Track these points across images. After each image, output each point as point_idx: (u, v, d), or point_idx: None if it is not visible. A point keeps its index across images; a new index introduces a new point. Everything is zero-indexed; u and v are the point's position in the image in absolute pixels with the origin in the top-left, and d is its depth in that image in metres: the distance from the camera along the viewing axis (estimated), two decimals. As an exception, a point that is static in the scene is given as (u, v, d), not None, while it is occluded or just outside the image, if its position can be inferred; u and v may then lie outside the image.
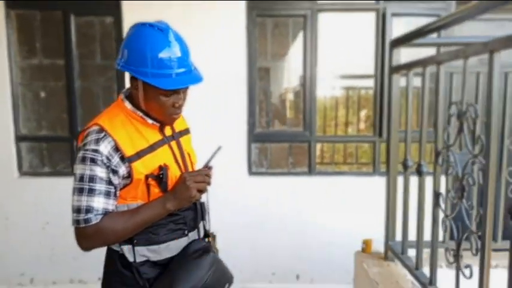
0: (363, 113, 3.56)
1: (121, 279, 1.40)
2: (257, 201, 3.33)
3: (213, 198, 1.52)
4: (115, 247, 1.40)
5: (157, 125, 1.40)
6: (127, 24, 3.14)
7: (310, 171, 3.39)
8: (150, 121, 1.37)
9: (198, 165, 1.51)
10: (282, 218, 3.35)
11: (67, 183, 3.30)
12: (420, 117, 1.59)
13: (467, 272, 1.28)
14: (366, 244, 2.10)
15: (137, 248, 1.36)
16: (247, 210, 3.28)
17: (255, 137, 3.36)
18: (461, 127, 1.27)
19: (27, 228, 3.36)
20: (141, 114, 1.36)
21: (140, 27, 1.30)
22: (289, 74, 3.52)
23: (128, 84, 3.30)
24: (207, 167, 1.41)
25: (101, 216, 1.27)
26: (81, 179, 1.26)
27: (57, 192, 3.31)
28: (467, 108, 1.23)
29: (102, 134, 1.28)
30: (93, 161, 1.26)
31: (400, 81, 1.86)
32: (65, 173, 3.38)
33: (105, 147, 1.27)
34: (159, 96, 1.31)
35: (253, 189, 3.34)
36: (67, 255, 3.36)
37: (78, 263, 3.36)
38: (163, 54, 1.26)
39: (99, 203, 1.27)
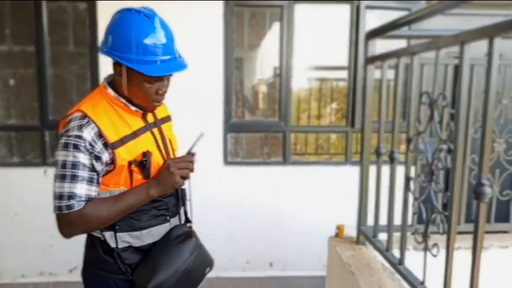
0: (334, 105, 3.66)
1: (103, 265, 1.41)
2: (232, 190, 3.37)
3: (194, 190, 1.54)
4: (96, 234, 1.40)
5: (140, 112, 1.40)
6: (101, 10, 3.08)
7: (285, 161, 3.45)
8: (133, 108, 1.38)
9: (180, 152, 1.53)
10: (256, 207, 3.40)
11: (37, 174, 3.26)
12: (393, 106, 1.67)
13: (434, 250, 1.36)
14: (339, 229, 2.17)
15: (119, 234, 1.37)
16: (222, 199, 3.31)
17: (230, 126, 3.39)
18: (432, 115, 1.34)
19: (-5, 219, 3.26)
20: (124, 101, 1.36)
21: (126, 13, 1.30)
22: (263, 64, 3.56)
23: (103, 72, 3.25)
24: (190, 154, 1.44)
25: (84, 203, 1.28)
26: (64, 165, 1.26)
27: (26, 183, 3.24)
28: (438, 96, 1.31)
29: (86, 120, 1.28)
30: (76, 147, 1.25)
31: (374, 73, 1.94)
32: (35, 163, 3.29)
33: (88, 134, 1.27)
34: (143, 82, 1.31)
35: (228, 178, 3.37)
36: (36, 247, 3.30)
37: (48, 255, 3.31)
38: (148, 41, 1.27)
39: (81, 189, 1.27)
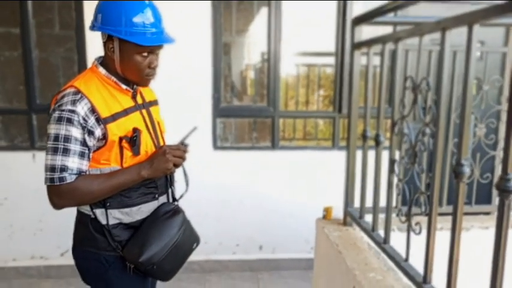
0: (322, 91, 3.69)
1: (93, 243, 1.45)
2: (222, 174, 3.41)
3: (179, 171, 1.58)
4: (86, 211, 1.44)
5: (131, 90, 1.45)
6: (87, -7, 3.05)
7: (274, 145, 3.50)
8: (124, 86, 1.42)
9: (172, 141, 1.57)
10: (245, 191, 3.45)
11: (25, 158, 3.25)
12: (379, 92, 1.71)
13: (417, 229, 1.43)
14: (327, 211, 2.23)
15: (110, 211, 1.42)
16: (211, 183, 3.35)
17: (220, 111, 3.40)
18: (415, 99, 1.39)
19: (-16, 204, 3.25)
20: (115, 79, 1.41)
21: None
22: (251, 49, 3.56)
23: (90, 55, 3.21)
24: (184, 145, 1.49)
25: (75, 176, 1.32)
26: (56, 138, 1.29)
27: (15, 167, 3.23)
28: (421, 81, 1.35)
29: (79, 96, 1.32)
30: (69, 121, 1.29)
31: (360, 59, 1.97)
32: (23, 147, 3.27)
33: (81, 108, 1.31)
34: (136, 55, 1.36)
35: (218, 163, 3.41)
36: (27, 231, 3.31)
37: (39, 238, 3.32)
38: (137, 19, 1.32)
39: (73, 162, 1.31)
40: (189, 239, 1.57)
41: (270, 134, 3.50)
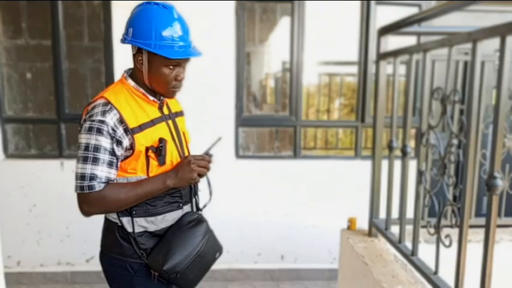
0: (343, 100, 3.68)
1: (119, 250, 1.49)
2: (244, 184, 3.42)
3: (203, 181, 1.60)
4: (113, 219, 1.48)
5: (158, 102, 1.49)
6: (115, 5, 3.14)
7: (296, 155, 3.50)
8: (151, 98, 1.47)
9: (196, 151, 1.59)
10: (267, 200, 3.46)
11: (54, 166, 3.34)
12: (405, 102, 1.70)
13: (447, 241, 1.40)
14: (351, 222, 2.22)
15: (136, 219, 1.46)
16: (234, 192, 3.37)
17: (242, 121, 3.43)
18: (444, 110, 1.38)
19: (14, 210, 3.34)
20: (143, 90, 1.46)
21: (145, 5, 1.40)
22: (273, 58, 3.59)
23: (117, 66, 3.29)
24: (208, 155, 1.51)
25: (104, 185, 1.36)
26: (87, 148, 1.34)
27: (44, 174, 3.32)
28: (451, 92, 1.34)
29: (108, 107, 1.37)
30: (99, 131, 1.34)
31: (386, 68, 1.97)
32: (52, 155, 3.37)
33: (111, 119, 1.35)
34: (163, 68, 1.40)
35: (240, 172, 3.42)
36: (54, 238, 3.39)
37: (65, 245, 3.39)
38: (166, 32, 1.37)
39: (102, 171, 1.35)
40: (212, 248, 1.58)
41: (292, 143, 3.51)
